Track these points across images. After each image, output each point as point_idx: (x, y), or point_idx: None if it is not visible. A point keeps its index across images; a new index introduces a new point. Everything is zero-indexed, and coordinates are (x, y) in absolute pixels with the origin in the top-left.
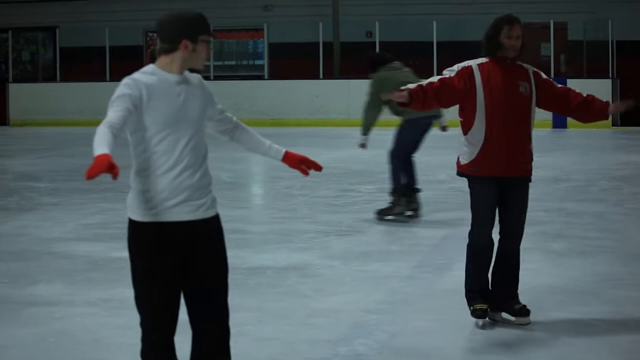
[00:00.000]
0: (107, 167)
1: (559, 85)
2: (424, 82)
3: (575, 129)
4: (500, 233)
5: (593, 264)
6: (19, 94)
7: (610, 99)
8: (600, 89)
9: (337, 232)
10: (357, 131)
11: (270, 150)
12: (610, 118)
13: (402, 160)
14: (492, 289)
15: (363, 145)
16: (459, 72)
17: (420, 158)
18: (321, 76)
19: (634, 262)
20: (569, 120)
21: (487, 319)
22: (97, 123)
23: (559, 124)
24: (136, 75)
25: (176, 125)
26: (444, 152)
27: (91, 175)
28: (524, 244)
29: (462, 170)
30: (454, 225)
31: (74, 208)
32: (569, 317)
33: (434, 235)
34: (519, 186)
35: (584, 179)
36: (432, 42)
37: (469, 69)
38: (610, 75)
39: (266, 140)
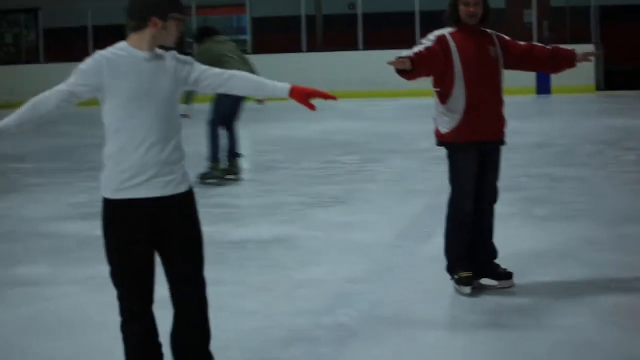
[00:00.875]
0: None
1: (522, 43)
2: (413, 50)
3: (559, 95)
4: (477, 198)
5: (576, 228)
6: (4, 76)
7: (593, 64)
8: None
9: (320, 203)
10: (339, 103)
11: (276, 90)
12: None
13: (223, 128)
14: (472, 255)
15: (185, 115)
16: (436, 41)
17: (401, 128)
18: (305, 49)
19: (616, 225)
20: (553, 85)
21: (472, 286)
22: (81, 104)
23: (543, 89)
24: (106, 51)
25: (144, 102)
26: (425, 121)
27: None
28: (507, 210)
29: (444, 139)
30: (436, 194)
31: (60, 188)
32: (551, 281)
33: (416, 204)
34: (496, 150)
35: (569, 144)
36: (414, 13)
37: (443, 37)
38: (594, 41)
39: (269, 81)
